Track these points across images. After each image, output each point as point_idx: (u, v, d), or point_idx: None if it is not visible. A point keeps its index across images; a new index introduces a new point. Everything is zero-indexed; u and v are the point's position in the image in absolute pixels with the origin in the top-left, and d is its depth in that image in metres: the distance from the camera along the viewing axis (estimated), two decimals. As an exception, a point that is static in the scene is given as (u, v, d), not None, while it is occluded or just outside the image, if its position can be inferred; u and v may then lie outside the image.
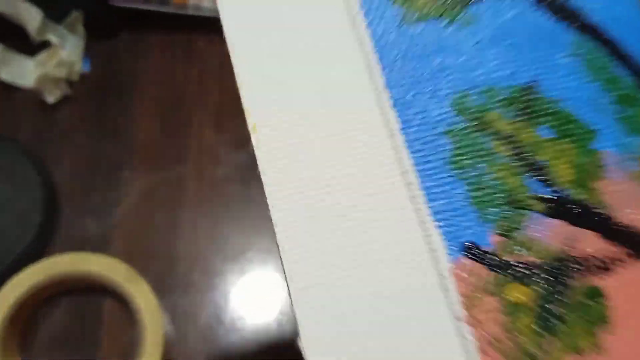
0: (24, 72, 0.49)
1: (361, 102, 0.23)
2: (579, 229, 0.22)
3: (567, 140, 0.23)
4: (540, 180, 0.22)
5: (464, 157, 0.22)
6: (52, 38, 0.49)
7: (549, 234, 0.21)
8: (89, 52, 0.51)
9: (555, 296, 0.20)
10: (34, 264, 0.42)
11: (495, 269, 0.21)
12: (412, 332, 0.20)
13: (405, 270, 0.20)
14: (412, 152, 0.22)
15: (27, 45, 0.48)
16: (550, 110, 0.23)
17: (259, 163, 0.23)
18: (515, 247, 0.21)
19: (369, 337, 0.20)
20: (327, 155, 0.22)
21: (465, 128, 0.22)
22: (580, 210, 0.22)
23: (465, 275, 0.20)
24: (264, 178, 0.23)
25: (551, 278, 0.21)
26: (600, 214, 0.22)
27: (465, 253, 0.21)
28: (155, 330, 0.41)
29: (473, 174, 0.22)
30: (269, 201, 0.22)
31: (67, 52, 0.49)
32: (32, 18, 0.47)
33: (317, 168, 0.22)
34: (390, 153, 0.22)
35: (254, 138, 0.24)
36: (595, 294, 0.21)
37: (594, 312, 0.20)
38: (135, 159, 0.48)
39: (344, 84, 0.23)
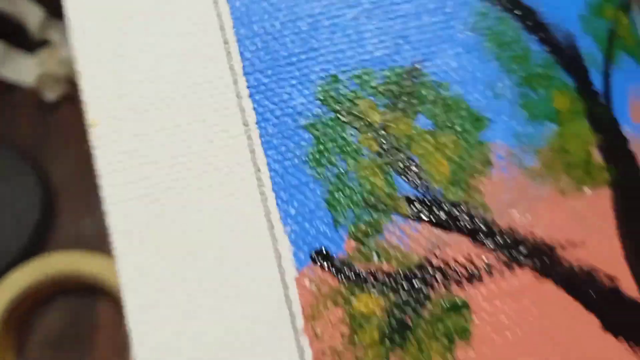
0: (24, 70, 0.48)
1: (217, 90, 0.21)
2: (447, 233, 0.19)
3: (448, 131, 0.20)
4: (409, 179, 0.20)
5: (325, 154, 0.20)
6: (53, 36, 0.48)
7: (412, 240, 0.19)
8: (90, 51, 0.50)
9: (410, 308, 0.18)
10: (29, 263, 0.42)
11: (345, 277, 0.19)
12: (255, 345, 0.19)
13: (251, 278, 0.19)
14: (268, 149, 0.20)
15: (27, 42, 0.48)
16: (432, 97, 0.20)
17: (96, 162, 0.23)
18: (370, 253, 0.19)
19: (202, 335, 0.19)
20: (174, 151, 0.21)
21: (330, 120, 0.20)
22: (449, 212, 0.20)
23: (311, 285, 0.19)
24: (101, 179, 0.23)
25: (407, 288, 0.19)
26: (473, 216, 0.20)
27: (314, 260, 0.19)
28: (152, 333, 0.40)
29: (333, 172, 0.20)
30: (106, 205, 0.22)
31: (68, 50, 0.48)
32: (32, 15, 0.46)
33: (161, 166, 0.21)
34: (245, 149, 0.20)
35: (92, 133, 0.23)
36: (457, 306, 0.19)
37: (453, 326, 0.18)
38: (135, 159, 0.48)
39: (198, 68, 0.21)
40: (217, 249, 0.20)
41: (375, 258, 0.19)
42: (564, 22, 0.21)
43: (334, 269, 0.19)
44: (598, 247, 0.19)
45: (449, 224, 0.20)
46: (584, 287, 0.19)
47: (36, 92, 0.48)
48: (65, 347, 0.42)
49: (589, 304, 0.19)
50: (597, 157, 0.20)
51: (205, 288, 0.20)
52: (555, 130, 0.20)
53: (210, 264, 0.20)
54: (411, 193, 0.20)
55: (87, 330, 0.42)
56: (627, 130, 0.20)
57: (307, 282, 0.19)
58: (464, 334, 0.18)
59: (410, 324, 0.18)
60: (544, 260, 0.19)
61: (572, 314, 0.18)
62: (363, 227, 0.19)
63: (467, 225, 0.20)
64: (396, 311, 0.19)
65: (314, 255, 0.19)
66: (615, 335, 0.18)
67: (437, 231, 0.20)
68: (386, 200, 0.19)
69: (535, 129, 0.20)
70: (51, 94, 0.48)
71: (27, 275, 0.41)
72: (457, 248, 0.20)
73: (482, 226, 0.20)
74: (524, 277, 0.19)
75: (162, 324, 0.21)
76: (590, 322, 0.18)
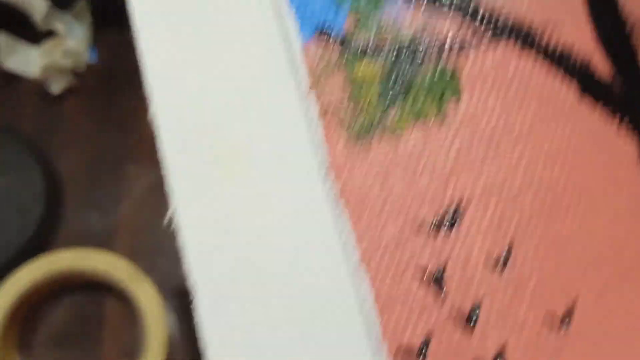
0: (29, 61, 0.47)
1: None
2: (439, 12, 0.21)
3: None
4: None
5: None
6: (58, 27, 0.47)
7: (407, 16, 0.21)
8: (96, 42, 0.49)
9: (405, 73, 0.21)
10: (34, 259, 0.41)
11: (346, 48, 0.21)
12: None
13: (258, 53, 0.21)
14: None
15: (32, 33, 0.47)
16: None
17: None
18: (368, 27, 0.21)
19: None
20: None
21: None
22: None
23: (316, 54, 0.21)
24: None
25: (403, 57, 0.21)
26: None
27: (318, 33, 0.21)
28: (158, 332, 0.39)
29: None
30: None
31: (73, 41, 0.47)
32: (37, 6, 0.45)
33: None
34: None
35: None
36: (447, 74, 0.21)
37: (444, 86, 0.20)
38: (142, 153, 0.47)
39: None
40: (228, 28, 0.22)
41: (372, 31, 0.21)
42: None
43: (336, 40, 0.21)
44: (572, 28, 0.21)
45: (440, 2, 0.22)
46: (561, 59, 0.20)
47: (41, 83, 0.47)
48: (71, 344, 0.41)
49: (568, 72, 0.20)
50: None
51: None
52: None
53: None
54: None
55: (94, 327, 0.42)
56: None
57: (312, 51, 0.21)
58: (455, 91, 0.20)
59: (405, 85, 0.20)
60: (525, 36, 0.21)
61: (551, 82, 0.20)
62: (362, 3, 0.21)
63: (456, 3, 0.22)
64: (393, 75, 0.21)
65: (319, 27, 0.21)
66: (595, 100, 0.20)
67: (430, 9, 0.22)
68: None
69: None
70: (56, 86, 0.47)
71: (32, 272, 0.40)
72: (448, 24, 0.22)
73: (469, 6, 0.22)
74: (507, 50, 0.21)
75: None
76: (568, 89, 0.20)
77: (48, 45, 0.47)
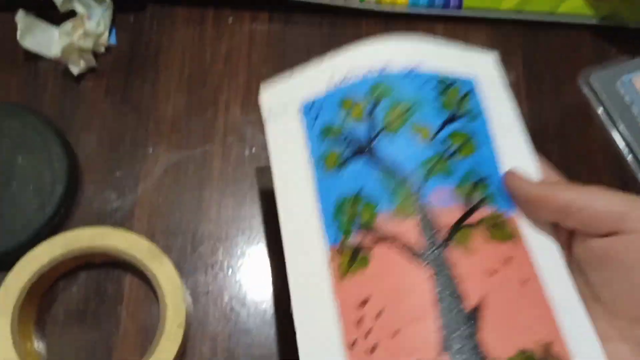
0: (49, 41, 0.47)
1: None
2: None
3: None
4: None
5: None
6: (78, 8, 0.47)
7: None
8: (115, 23, 0.50)
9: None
10: (54, 237, 0.41)
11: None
12: None
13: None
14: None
15: (52, 14, 0.47)
16: None
17: None
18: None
19: None
20: None
21: None
22: None
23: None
24: None
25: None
26: None
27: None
28: (177, 310, 0.40)
29: None
30: None
31: (93, 22, 0.48)
32: (59, -14, 0.46)
33: None
34: None
35: None
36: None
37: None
38: (161, 134, 0.47)
39: None
40: None
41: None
42: None
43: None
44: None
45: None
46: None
47: (61, 63, 0.47)
48: (89, 322, 0.41)
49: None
50: None
51: None
52: None
53: None
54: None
55: (112, 304, 0.42)
56: None
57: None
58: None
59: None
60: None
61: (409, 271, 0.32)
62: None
63: None
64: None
65: None
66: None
67: None
68: None
69: None
70: (76, 67, 0.47)
71: (51, 249, 0.40)
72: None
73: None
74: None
75: None
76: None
77: (68, 26, 0.47)
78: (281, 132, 0.36)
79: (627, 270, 0.30)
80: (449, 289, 0.30)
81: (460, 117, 0.34)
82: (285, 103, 0.36)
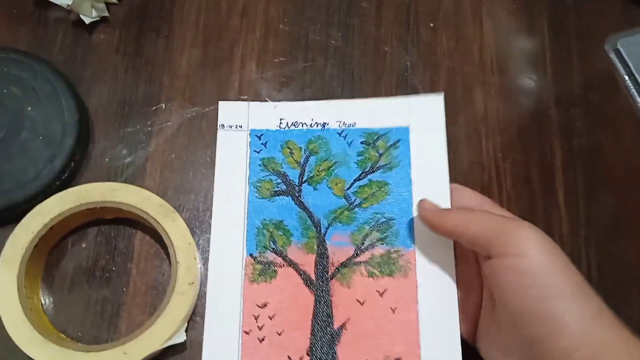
0: (60, -10, 0.46)
1: None
2: None
3: None
4: None
5: None
6: (91, -45, 0.45)
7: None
8: (128, -27, 0.48)
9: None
10: (65, 190, 0.40)
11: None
12: None
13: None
14: None
15: (64, -38, 0.45)
16: None
17: None
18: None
19: None
20: None
21: None
22: None
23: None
24: None
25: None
26: None
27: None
28: (189, 268, 0.39)
29: None
30: None
31: (105, -29, 0.46)
32: None
33: None
34: None
35: None
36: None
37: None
38: (174, 89, 0.45)
39: None
40: None
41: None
42: None
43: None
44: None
45: None
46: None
47: (73, 12, 0.46)
48: (98, 279, 0.41)
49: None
50: None
51: None
52: None
53: None
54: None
55: (121, 262, 0.41)
56: None
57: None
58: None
59: None
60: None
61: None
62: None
63: None
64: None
65: None
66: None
67: None
68: None
69: None
70: (88, 16, 0.45)
71: (61, 202, 0.39)
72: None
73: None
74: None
75: None
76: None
77: (80, -27, 0.45)
78: (229, 145, 0.44)
79: (499, 292, 0.34)
80: (324, 311, 0.40)
81: (380, 167, 0.43)
82: (239, 123, 0.44)
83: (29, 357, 0.36)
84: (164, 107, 0.45)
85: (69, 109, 0.42)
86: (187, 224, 0.42)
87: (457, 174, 0.45)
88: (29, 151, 0.41)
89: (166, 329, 0.37)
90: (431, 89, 0.48)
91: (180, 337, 0.38)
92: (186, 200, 0.43)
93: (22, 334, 0.36)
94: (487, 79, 0.48)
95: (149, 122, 0.45)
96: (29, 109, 0.42)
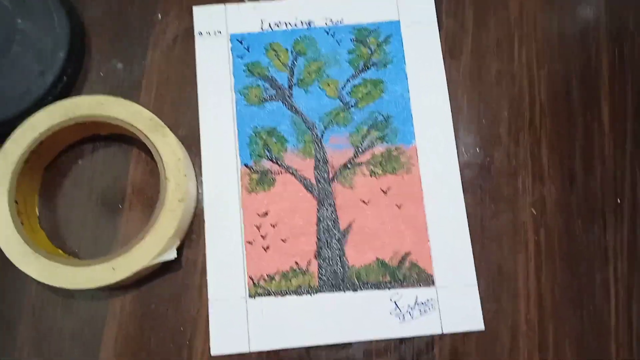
0: None
1: None
2: None
3: None
4: None
5: None
6: None
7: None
8: None
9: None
10: (52, 104, 0.39)
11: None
12: None
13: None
14: None
15: None
16: None
17: None
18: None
19: None
20: None
21: None
22: None
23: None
24: None
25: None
26: None
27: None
28: (179, 184, 0.37)
29: None
30: None
31: None
32: None
33: None
34: None
35: None
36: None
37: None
38: (170, 2, 0.42)
39: None
40: None
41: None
42: None
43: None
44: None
45: None
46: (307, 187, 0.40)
47: None
48: (94, 195, 0.39)
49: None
50: None
51: None
52: None
53: None
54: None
55: (118, 179, 0.40)
56: None
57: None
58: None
59: None
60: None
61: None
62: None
63: None
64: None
65: None
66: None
67: None
68: None
69: None
70: None
71: (50, 116, 0.38)
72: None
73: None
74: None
75: None
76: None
77: None
78: (210, 53, 0.41)
79: None
80: (328, 214, 0.39)
81: (373, 64, 0.41)
82: (217, 28, 0.41)
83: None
84: (160, 17, 0.42)
85: (60, 21, 0.40)
86: (184, 141, 0.39)
87: (483, 84, 0.40)
88: (19, 66, 0.39)
89: (154, 245, 0.36)
90: (455, -12, 0.42)
91: (171, 255, 0.36)
92: (183, 117, 0.40)
93: (13, 247, 0.36)
94: (522, -27, 0.42)
95: (144, 34, 0.42)
96: (19, 21, 0.40)
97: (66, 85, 0.40)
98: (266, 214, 0.39)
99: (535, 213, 0.37)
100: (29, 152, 0.37)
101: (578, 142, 0.39)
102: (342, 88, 0.40)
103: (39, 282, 0.35)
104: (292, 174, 0.39)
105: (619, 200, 0.38)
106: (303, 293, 0.37)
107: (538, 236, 0.37)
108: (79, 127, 0.39)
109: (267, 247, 0.38)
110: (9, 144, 0.38)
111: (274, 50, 0.41)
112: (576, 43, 0.41)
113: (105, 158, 0.40)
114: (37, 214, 0.39)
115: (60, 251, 0.38)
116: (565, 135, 0.39)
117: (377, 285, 0.37)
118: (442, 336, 0.36)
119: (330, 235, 0.38)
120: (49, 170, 0.40)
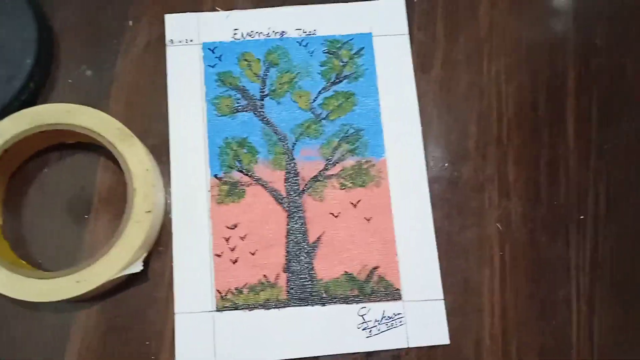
0: None
1: None
2: None
3: None
4: None
5: None
6: None
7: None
8: None
9: None
10: (19, 111, 0.38)
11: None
12: None
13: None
14: None
15: None
16: None
17: None
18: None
19: None
20: None
21: None
22: None
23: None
24: None
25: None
26: None
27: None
28: (146, 195, 0.36)
29: None
30: None
31: None
32: None
33: None
34: None
35: None
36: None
37: None
38: (142, 8, 0.42)
39: None
40: None
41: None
42: None
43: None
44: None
45: None
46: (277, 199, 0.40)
47: None
48: (60, 204, 0.39)
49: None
50: None
51: None
52: None
53: None
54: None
55: (83, 188, 0.39)
56: None
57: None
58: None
59: None
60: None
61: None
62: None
63: None
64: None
65: None
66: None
67: None
68: None
69: None
70: None
71: (16, 124, 0.37)
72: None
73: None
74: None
75: None
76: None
77: None
78: (181, 62, 0.41)
79: None
80: (298, 227, 0.38)
81: (345, 77, 0.41)
82: (189, 37, 0.41)
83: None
84: (131, 24, 0.42)
85: (29, 26, 0.39)
86: (154, 151, 0.39)
87: (453, 98, 0.41)
88: (-15, 71, 0.39)
89: (120, 258, 0.35)
90: (428, 0, 0.42)
91: (137, 267, 0.36)
92: (153, 126, 0.40)
93: (-26, 259, 0.35)
94: (493, -11, 0.43)
95: (115, 41, 0.41)
96: (-14, 26, 0.39)
97: (33, 92, 0.40)
98: (235, 226, 0.38)
99: (500, 228, 0.38)
100: (-5, 160, 0.37)
101: (543, 157, 0.40)
102: (314, 100, 0.40)
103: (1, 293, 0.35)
104: (263, 185, 0.39)
105: (582, 216, 0.38)
106: (271, 307, 0.37)
107: (503, 251, 0.38)
108: (45, 135, 0.38)
109: (236, 260, 0.38)
110: (-27, 151, 0.37)
111: (246, 60, 0.41)
112: (544, 58, 0.42)
113: (71, 166, 0.40)
114: (0, 223, 0.39)
115: (24, 262, 0.38)
116: (531, 150, 0.40)
117: (345, 299, 0.37)
118: (408, 350, 0.36)
119: (300, 248, 0.38)
120: (13, 179, 0.39)
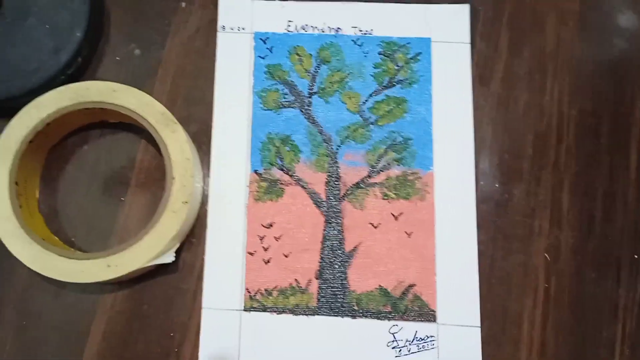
0: None
1: None
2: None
3: None
4: None
5: None
6: None
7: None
8: None
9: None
10: (64, 86, 0.37)
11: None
12: None
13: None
14: None
15: None
16: None
17: None
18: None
19: None
20: None
21: None
22: None
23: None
24: None
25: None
26: None
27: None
28: (185, 185, 0.35)
29: None
30: None
31: None
32: None
33: None
34: None
35: None
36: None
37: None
38: (197, -13, 0.41)
39: None
40: None
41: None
42: None
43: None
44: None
45: None
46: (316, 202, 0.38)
47: None
48: (97, 183, 0.38)
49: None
50: None
51: None
52: None
53: None
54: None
55: (122, 169, 0.38)
56: None
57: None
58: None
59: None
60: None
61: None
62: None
63: None
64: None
65: None
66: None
67: None
68: None
69: None
70: None
71: (59, 98, 0.36)
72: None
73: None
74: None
75: None
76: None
77: None
78: (231, 50, 0.40)
79: None
80: (334, 233, 0.37)
81: (399, 82, 0.39)
82: (242, 25, 0.40)
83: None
84: (184, 5, 0.40)
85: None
86: (195, 138, 0.38)
87: (511, 115, 0.39)
88: (34, 40, 0.38)
89: (153, 247, 0.35)
90: (494, 9, 0.40)
91: (169, 258, 0.35)
92: (196, 112, 0.39)
93: (8, 231, 0.35)
94: (565, 4, 0.40)
95: (166, 22, 0.40)
96: (39, -6, 0.38)
97: (80, 66, 0.39)
98: (271, 225, 0.37)
99: (548, 258, 0.36)
100: (34, 132, 0.36)
101: (601, 188, 0.37)
102: (364, 103, 0.39)
103: (30, 269, 0.34)
104: (302, 186, 0.38)
105: (636, 256, 0.36)
106: (300, 313, 0.36)
107: (549, 283, 0.36)
108: (89, 112, 0.37)
109: (268, 260, 0.37)
110: (15, 121, 0.36)
111: (298, 55, 0.39)
112: (611, 81, 0.39)
113: (112, 146, 0.39)
114: (37, 197, 0.38)
115: (56, 238, 0.37)
116: (589, 179, 0.38)
117: (377, 315, 0.35)
118: (437, 374, 0.35)
119: (335, 256, 0.37)
120: (52, 153, 0.39)
